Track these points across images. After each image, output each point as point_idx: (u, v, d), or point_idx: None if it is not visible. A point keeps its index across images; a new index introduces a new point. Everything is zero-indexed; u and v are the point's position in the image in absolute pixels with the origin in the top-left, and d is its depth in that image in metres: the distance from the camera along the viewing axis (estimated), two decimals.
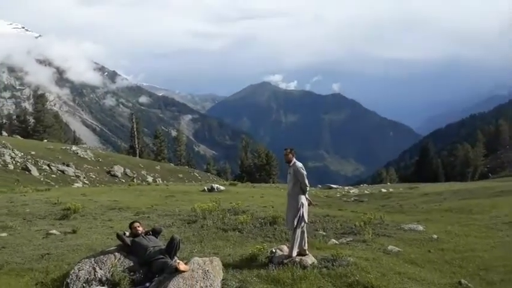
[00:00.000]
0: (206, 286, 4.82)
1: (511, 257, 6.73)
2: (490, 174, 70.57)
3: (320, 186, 35.47)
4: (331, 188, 31.43)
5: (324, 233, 8.98)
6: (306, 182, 6.19)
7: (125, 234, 6.04)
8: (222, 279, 5.40)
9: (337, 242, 8.11)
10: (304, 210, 6.22)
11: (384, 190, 24.47)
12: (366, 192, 24.67)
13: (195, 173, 50.14)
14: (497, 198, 14.54)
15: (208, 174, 55.65)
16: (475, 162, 76.63)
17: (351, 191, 26.30)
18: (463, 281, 5.65)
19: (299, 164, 6.25)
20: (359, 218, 10.22)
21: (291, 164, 6.31)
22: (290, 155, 6.31)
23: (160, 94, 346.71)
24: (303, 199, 6.24)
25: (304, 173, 6.19)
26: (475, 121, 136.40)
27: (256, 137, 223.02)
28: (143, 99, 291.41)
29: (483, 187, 21.37)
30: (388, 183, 47.45)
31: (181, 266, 4.96)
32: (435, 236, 8.50)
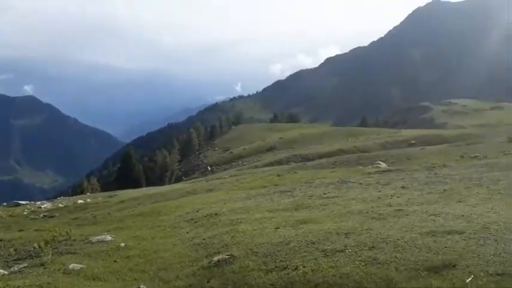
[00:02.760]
0: None
1: (187, 252, 7.42)
2: (183, 177, 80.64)
3: (5, 204, 29.79)
4: (18, 205, 26.89)
5: None
6: None
7: None
8: None
9: (5, 272, 6.65)
10: None
11: (80, 201, 23.07)
12: (60, 205, 22.48)
13: None
14: (183, 199, 16.33)
15: None
16: (172, 167, 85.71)
17: (43, 206, 23.33)
18: (141, 285, 5.70)
19: None
20: (42, 237, 8.90)
21: None
22: None
23: None
24: None
25: None
26: (171, 130, 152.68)
27: None
28: None
29: (174, 189, 23.68)
30: (88, 194, 45.59)
31: None
32: (123, 244, 8.40)
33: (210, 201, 14.29)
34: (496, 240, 5.40)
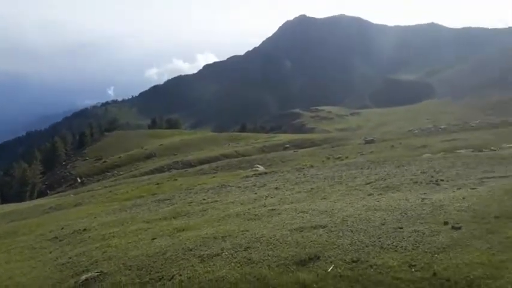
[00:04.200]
0: None
1: (49, 274, 6.62)
2: (48, 191, 72.05)
3: None
4: None
5: None
6: None
7: None
8: None
9: None
10: None
11: None
12: None
13: None
14: (45, 216, 14.60)
15: None
16: (33, 180, 75.94)
17: None
18: None
19: None
20: None
21: None
22: None
23: None
24: None
25: None
26: (31, 139, 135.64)
27: None
28: None
29: (36, 205, 21.06)
30: None
31: None
32: None
33: (78, 216, 13.06)
34: (352, 231, 6.08)
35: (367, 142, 31.93)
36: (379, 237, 5.64)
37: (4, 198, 65.86)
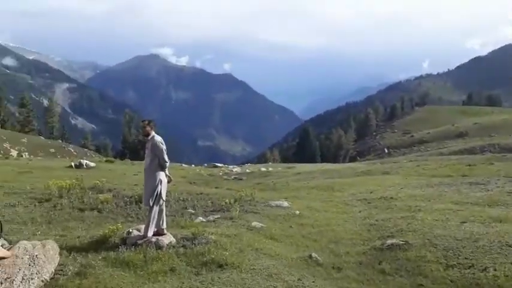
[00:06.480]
0: (32, 273, 4.11)
1: (358, 230, 7.37)
2: (358, 158, 79.64)
3: (206, 164, 35.51)
4: (216, 166, 31.59)
5: (193, 211, 8.75)
6: (165, 157, 5.82)
7: None
8: (59, 265, 4.73)
9: (204, 220, 7.94)
10: (163, 188, 5.86)
11: (263, 169, 25.42)
12: (247, 171, 25.32)
13: (70, 148, 45.74)
14: (357, 178, 16.16)
15: (86, 150, 51.29)
16: (347, 146, 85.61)
17: (234, 170, 26.76)
18: (313, 254, 5.94)
19: (158, 138, 5.85)
20: (232, 195, 10.24)
21: (149, 137, 5.86)
22: (148, 128, 5.87)
23: (31, 57, 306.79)
24: (162, 176, 5.86)
25: (163, 147, 5.82)
26: (349, 109, 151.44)
27: (144, 112, 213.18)
28: (9, 61, 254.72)
29: (349, 168, 23.66)
30: (270, 163, 49.81)
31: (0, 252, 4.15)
32: (297, 212, 8.92)
33: (386, 184, 13.71)
34: None
35: None
36: None
37: (323, 158, 77.75)
